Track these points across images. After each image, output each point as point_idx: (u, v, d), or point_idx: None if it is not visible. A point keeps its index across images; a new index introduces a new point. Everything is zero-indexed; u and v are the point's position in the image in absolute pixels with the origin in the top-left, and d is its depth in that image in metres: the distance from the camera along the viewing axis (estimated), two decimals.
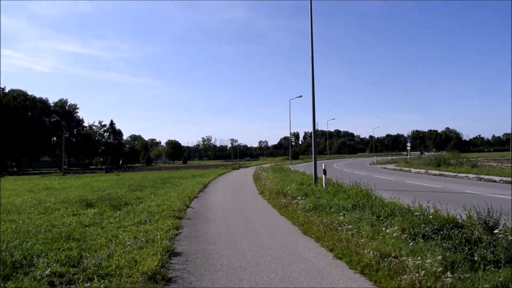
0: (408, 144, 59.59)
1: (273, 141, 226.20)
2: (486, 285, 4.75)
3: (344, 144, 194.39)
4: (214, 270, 6.28)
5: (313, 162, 20.02)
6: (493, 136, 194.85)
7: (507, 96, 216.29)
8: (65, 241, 7.96)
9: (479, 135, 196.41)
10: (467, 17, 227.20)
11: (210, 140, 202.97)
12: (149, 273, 5.71)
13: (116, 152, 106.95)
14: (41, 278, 5.62)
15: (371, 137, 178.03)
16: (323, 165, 18.97)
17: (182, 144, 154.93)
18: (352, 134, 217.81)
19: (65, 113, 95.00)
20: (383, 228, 7.99)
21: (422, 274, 5.09)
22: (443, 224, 7.57)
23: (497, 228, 7.00)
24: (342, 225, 8.64)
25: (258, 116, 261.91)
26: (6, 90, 79.52)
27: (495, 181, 22.38)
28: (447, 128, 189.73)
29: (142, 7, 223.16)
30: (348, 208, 10.71)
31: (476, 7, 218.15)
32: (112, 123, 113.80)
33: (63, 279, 5.67)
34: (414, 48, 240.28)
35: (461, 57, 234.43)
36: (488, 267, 5.38)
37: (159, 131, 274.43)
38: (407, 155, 62.28)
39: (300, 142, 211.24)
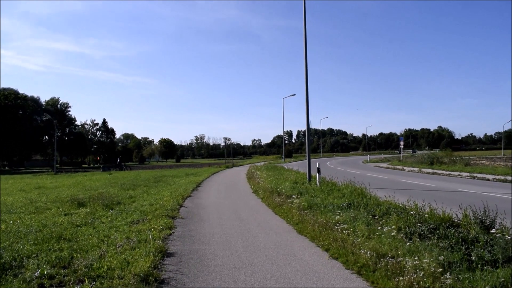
0: (401, 143, 59.66)
1: (266, 139, 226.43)
2: (486, 286, 4.68)
3: (337, 143, 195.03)
4: (208, 271, 6.16)
5: (306, 161, 19.94)
6: (485, 134, 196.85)
7: (499, 95, 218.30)
8: (56, 242, 7.80)
9: (471, 134, 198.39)
10: (458, 16, 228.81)
11: (204, 139, 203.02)
12: (141, 274, 5.58)
13: (108, 150, 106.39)
14: (31, 280, 5.48)
15: (364, 135, 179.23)
16: (317, 163, 18.91)
17: (175, 143, 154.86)
18: (345, 133, 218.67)
19: (57, 111, 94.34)
20: (379, 228, 7.92)
21: (420, 275, 5.00)
22: (439, 223, 7.51)
23: (494, 227, 6.96)
24: (338, 224, 8.55)
25: (251, 114, 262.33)
26: None
27: (488, 180, 22.46)
28: (440, 127, 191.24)
29: (134, 5, 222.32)
30: (343, 207, 10.63)
31: (471, 7, 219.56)
32: (104, 122, 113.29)
33: (53, 281, 5.53)
34: (407, 47, 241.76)
35: (453, 56, 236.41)
36: (486, 267, 5.32)
37: (152, 129, 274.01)
38: (399, 153, 62.47)
39: (293, 141, 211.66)
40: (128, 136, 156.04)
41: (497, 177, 22.97)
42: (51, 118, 73.00)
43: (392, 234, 7.11)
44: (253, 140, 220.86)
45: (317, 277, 5.76)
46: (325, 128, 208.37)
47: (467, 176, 25.51)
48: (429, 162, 38.40)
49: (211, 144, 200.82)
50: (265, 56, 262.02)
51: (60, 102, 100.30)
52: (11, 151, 76.93)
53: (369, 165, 47.72)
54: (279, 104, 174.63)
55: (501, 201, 12.70)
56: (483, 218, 7.26)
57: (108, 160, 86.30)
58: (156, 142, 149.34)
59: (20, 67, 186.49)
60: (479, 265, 5.42)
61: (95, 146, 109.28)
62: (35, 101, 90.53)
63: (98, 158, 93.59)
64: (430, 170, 31.93)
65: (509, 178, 21.78)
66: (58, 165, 77.44)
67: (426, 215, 8.07)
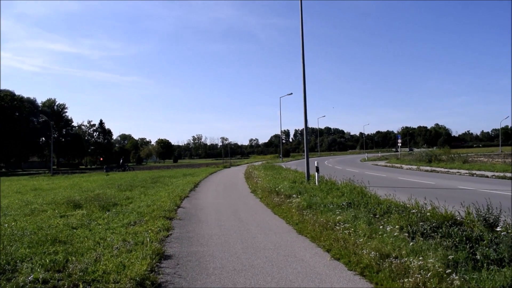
0: (399, 141, 59.62)
1: (263, 139, 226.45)
2: (494, 287, 4.53)
3: (335, 141, 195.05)
4: (207, 273, 6.00)
5: (305, 160, 19.78)
6: (482, 131, 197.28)
7: (495, 93, 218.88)
8: (51, 245, 7.62)
9: (468, 131, 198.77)
10: (455, 15, 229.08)
11: (201, 139, 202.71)
12: (138, 278, 5.42)
13: (105, 152, 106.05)
14: (24, 285, 5.30)
15: (361, 134, 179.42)
16: (315, 162, 18.77)
17: (173, 143, 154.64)
18: (342, 131, 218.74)
19: (53, 113, 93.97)
20: (380, 227, 7.75)
21: (426, 276, 4.84)
22: (442, 221, 7.37)
23: (498, 225, 6.81)
24: (338, 224, 8.38)
25: (249, 114, 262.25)
26: None
27: (487, 177, 22.41)
28: (437, 124, 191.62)
29: (131, 5, 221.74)
30: (343, 206, 10.47)
31: (468, 5, 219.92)
32: (101, 123, 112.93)
33: (47, 285, 5.36)
34: (403, 46, 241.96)
35: (450, 54, 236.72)
36: (491, 267, 5.18)
37: (149, 130, 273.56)
38: (397, 151, 62.40)
39: (290, 140, 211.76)
40: (125, 137, 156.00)
41: (496, 174, 22.92)
42: (47, 119, 72.51)
43: (395, 234, 6.95)
44: (251, 140, 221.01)
45: (319, 278, 5.60)
46: (322, 127, 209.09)
47: (466, 173, 25.46)
48: (427, 160, 38.35)
49: (208, 144, 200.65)
50: (263, 55, 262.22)
51: (57, 103, 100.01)
52: (8, 153, 76.52)
53: (367, 164, 47.67)
54: (277, 104, 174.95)
55: (503, 198, 12.58)
56: (487, 215, 7.13)
57: (107, 161, 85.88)
58: (153, 142, 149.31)
59: (16, 68, 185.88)
60: (485, 264, 5.28)
61: (92, 147, 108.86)
62: (31, 102, 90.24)
63: (102, 158, 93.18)
64: (428, 168, 31.89)
65: (508, 174, 21.73)
66: (55, 167, 77.08)
67: (428, 214, 7.92)
